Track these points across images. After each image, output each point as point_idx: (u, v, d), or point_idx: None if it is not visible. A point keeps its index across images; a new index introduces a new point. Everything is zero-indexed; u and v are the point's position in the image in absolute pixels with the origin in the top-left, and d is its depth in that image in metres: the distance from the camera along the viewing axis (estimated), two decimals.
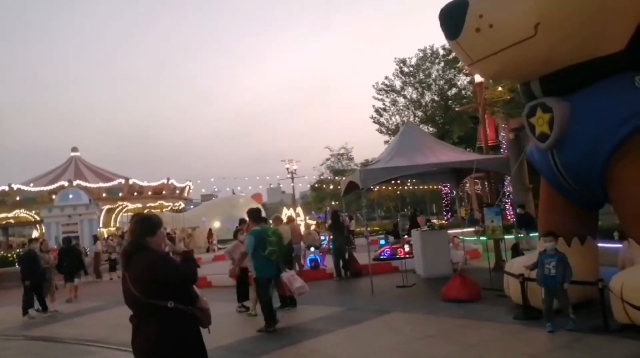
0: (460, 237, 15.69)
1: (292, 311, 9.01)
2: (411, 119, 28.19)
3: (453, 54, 28.93)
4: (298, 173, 35.49)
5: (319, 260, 13.71)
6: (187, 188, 39.78)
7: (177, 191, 37.98)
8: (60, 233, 22.26)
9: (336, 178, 40.26)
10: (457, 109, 24.91)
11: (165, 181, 36.37)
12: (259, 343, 6.96)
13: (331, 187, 41.20)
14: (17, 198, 31.82)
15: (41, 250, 11.75)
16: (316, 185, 46.75)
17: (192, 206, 42.77)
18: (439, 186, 29.26)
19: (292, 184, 31.40)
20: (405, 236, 15.91)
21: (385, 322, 7.58)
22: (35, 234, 33.05)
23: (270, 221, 10.33)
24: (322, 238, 14.67)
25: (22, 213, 33.11)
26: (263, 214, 9.53)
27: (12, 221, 33.95)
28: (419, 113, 29.32)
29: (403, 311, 8.16)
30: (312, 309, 9.03)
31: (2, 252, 21.33)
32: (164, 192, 36.03)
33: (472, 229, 18.73)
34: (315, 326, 7.67)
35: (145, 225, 3.28)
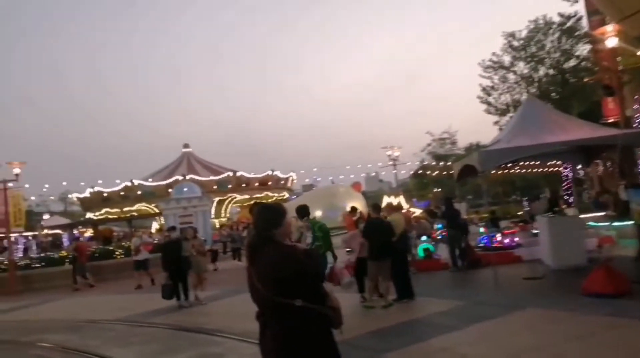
0: (590, 223, 14.13)
1: (409, 303, 8.55)
2: (523, 97, 26.08)
3: (570, 23, 26.35)
4: (398, 160, 34.55)
5: (431, 249, 13.05)
6: (291, 178, 40.71)
7: (282, 182, 39.00)
8: (177, 224, 23.55)
9: (441, 163, 38.72)
10: (585, 79, 22.52)
11: (269, 172, 37.55)
12: (383, 338, 6.58)
13: (435, 173, 39.66)
14: (139, 193, 34.57)
15: (185, 238, 11.32)
16: (419, 172, 45.25)
17: (294, 197, 43.57)
18: (556, 169, 26.88)
19: (394, 171, 30.57)
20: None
21: (521, 319, 6.83)
22: (155, 226, 35.65)
23: (382, 210, 9.93)
24: (439, 226, 13.91)
25: (143, 206, 35.93)
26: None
27: (135, 213, 36.92)
28: (532, 89, 27.08)
29: (538, 306, 7.31)
30: (432, 302, 8.48)
31: (128, 243, 23.00)
32: (269, 183, 37.18)
33: (600, 214, 16.85)
34: (438, 321, 7.13)
35: (270, 215, 2.99)
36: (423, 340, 6.17)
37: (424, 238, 13.55)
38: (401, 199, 32.36)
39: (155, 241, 22.04)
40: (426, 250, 12.93)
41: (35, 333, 9.59)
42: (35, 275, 18.53)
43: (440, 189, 46.15)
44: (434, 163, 41.80)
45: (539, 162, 20.44)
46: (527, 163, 19.18)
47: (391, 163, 30.01)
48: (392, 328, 7.00)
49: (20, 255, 21.23)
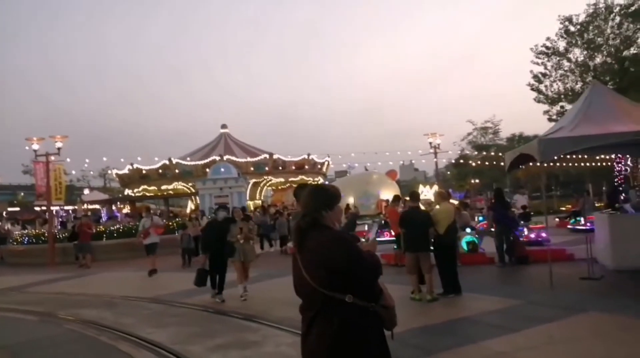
0: None
1: (456, 299, 8.02)
2: (577, 86, 24.64)
3: (637, 6, 24.66)
4: (439, 148, 33.50)
5: (476, 242, 12.39)
6: (326, 163, 40.30)
7: (318, 166, 38.65)
8: (213, 205, 23.52)
9: (483, 153, 37.53)
10: None
11: (306, 156, 37.22)
12: (432, 336, 6.09)
13: (477, 163, 38.40)
14: (176, 171, 34.84)
15: (234, 219, 9.35)
16: (461, 161, 43.99)
17: (326, 182, 43.23)
18: (604, 163, 25.51)
19: (435, 159, 29.62)
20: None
21: (585, 323, 6.21)
22: (190, 205, 35.94)
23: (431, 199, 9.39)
24: (481, 218, 13.27)
25: (180, 185, 36.22)
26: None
27: (171, 192, 37.28)
28: (587, 78, 25.58)
29: (603, 310, 6.67)
30: (481, 299, 7.92)
31: (164, 221, 23.11)
32: (305, 167, 36.89)
33: None
34: (492, 320, 6.58)
35: (322, 196, 2.62)
36: (477, 341, 5.64)
37: (467, 230, 12.92)
38: (436, 189, 31.55)
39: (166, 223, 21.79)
40: (470, 243, 12.28)
41: (70, 307, 9.55)
42: (72, 248, 18.77)
43: (478, 181, 44.88)
44: (475, 153, 40.57)
45: (586, 156, 19.25)
46: (574, 156, 17.92)
47: (432, 150, 29.06)
48: (442, 326, 6.50)
49: (59, 227, 21.58)
